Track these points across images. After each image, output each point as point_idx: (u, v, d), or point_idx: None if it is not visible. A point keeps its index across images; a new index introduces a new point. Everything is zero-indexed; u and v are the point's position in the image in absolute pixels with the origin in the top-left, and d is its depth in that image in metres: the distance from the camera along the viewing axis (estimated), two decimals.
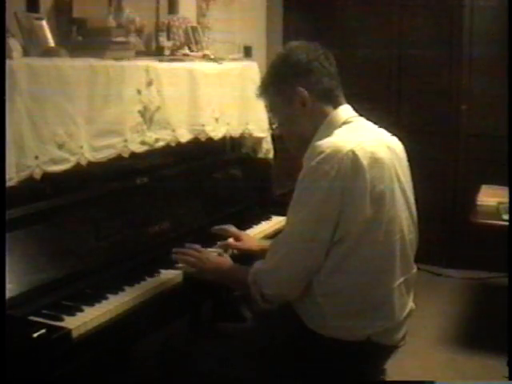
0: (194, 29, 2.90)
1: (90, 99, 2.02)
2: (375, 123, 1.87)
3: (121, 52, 2.23)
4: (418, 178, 1.91)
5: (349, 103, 1.86)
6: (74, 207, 1.98)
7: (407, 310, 1.81)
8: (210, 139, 2.63)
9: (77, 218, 1.97)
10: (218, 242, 2.27)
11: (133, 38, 2.53)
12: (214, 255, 2.07)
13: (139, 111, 2.23)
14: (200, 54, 2.81)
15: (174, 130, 2.40)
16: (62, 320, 1.64)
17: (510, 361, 2.55)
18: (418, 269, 1.88)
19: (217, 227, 2.30)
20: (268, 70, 1.89)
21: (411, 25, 4.40)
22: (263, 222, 2.63)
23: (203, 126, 2.58)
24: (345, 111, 1.82)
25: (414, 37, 4.40)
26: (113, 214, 2.09)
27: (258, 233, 2.51)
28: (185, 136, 2.47)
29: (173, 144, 2.41)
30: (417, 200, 1.85)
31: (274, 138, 3.00)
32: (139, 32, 2.67)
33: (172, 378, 1.90)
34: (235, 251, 2.21)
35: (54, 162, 1.89)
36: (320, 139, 1.71)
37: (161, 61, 2.47)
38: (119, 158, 2.15)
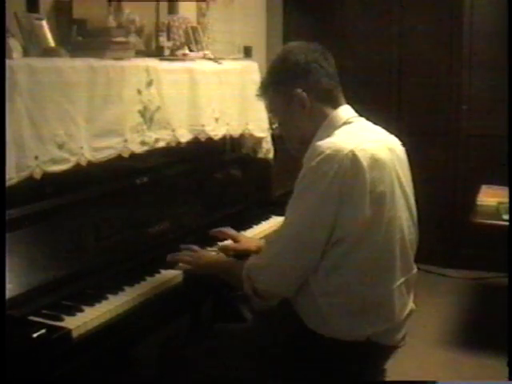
0: (194, 29, 2.90)
1: (90, 99, 2.02)
2: (375, 123, 1.87)
3: (121, 52, 2.23)
4: (418, 178, 1.91)
5: (349, 103, 1.86)
6: (74, 207, 1.98)
7: (407, 311, 1.81)
8: (209, 139, 2.63)
9: (77, 218, 1.97)
10: (218, 243, 2.27)
11: (133, 38, 2.53)
12: (210, 252, 2.08)
13: (139, 111, 2.23)
14: (200, 53, 2.81)
15: (173, 130, 2.40)
16: (62, 320, 1.64)
17: (510, 361, 2.55)
18: (418, 269, 1.88)
19: (214, 230, 2.30)
20: (267, 71, 1.89)
21: (411, 25, 4.40)
22: (263, 222, 2.63)
23: (203, 125, 2.58)
24: (345, 111, 1.82)
25: (414, 37, 4.40)
26: (113, 214, 2.09)
27: (257, 233, 2.51)
28: (185, 136, 2.47)
29: (173, 144, 2.41)
30: (417, 200, 1.85)
31: (273, 137, 3.00)
32: (139, 32, 2.67)
33: (172, 378, 1.90)
34: (232, 253, 2.20)
35: (54, 161, 1.89)
36: (320, 140, 1.71)
37: (161, 61, 2.47)
38: (119, 157, 2.15)
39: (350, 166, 1.62)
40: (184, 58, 2.67)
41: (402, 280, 1.76)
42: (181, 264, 2.03)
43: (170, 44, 2.78)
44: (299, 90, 1.77)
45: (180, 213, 2.38)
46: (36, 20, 2.11)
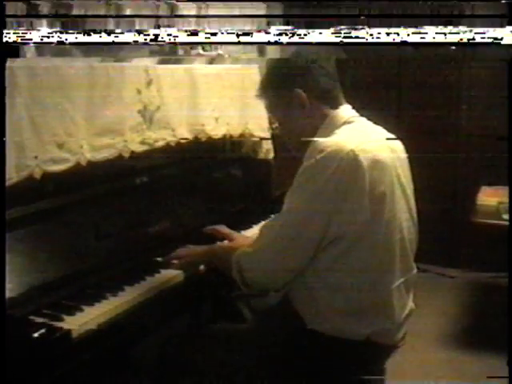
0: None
1: (90, 99, 2.02)
2: (375, 123, 1.87)
3: (121, 52, 2.23)
4: (418, 178, 1.91)
5: (349, 103, 1.86)
6: (74, 207, 1.98)
7: (407, 310, 1.81)
8: (209, 139, 2.63)
9: (77, 217, 1.97)
10: (218, 242, 2.27)
11: None
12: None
13: (139, 111, 2.23)
14: (200, 53, 2.81)
15: (173, 130, 2.40)
16: (62, 320, 1.64)
17: (510, 361, 2.54)
18: (418, 269, 1.88)
19: (208, 228, 2.28)
20: (266, 71, 1.89)
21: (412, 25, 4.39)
22: (263, 222, 2.63)
23: (203, 125, 2.58)
24: (345, 111, 1.82)
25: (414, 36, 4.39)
26: (113, 214, 2.09)
27: (257, 233, 2.50)
28: (185, 136, 2.47)
29: (173, 144, 2.41)
30: (417, 200, 1.85)
31: (273, 137, 3.00)
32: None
33: (172, 377, 1.90)
34: None
35: (54, 161, 1.89)
36: (321, 139, 1.71)
37: (161, 61, 2.47)
38: (119, 157, 2.15)
39: (349, 166, 1.62)
40: (184, 58, 2.67)
41: (402, 280, 1.76)
42: (175, 261, 2.04)
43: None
44: (299, 91, 1.77)
45: (180, 213, 2.37)
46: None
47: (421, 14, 3.37)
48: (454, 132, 4.39)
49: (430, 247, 3.67)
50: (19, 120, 1.78)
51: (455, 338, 3.40)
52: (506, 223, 3.02)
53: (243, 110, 2.83)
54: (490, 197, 3.38)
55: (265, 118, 2.93)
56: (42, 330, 1.54)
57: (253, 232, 2.49)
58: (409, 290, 1.82)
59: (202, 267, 2.06)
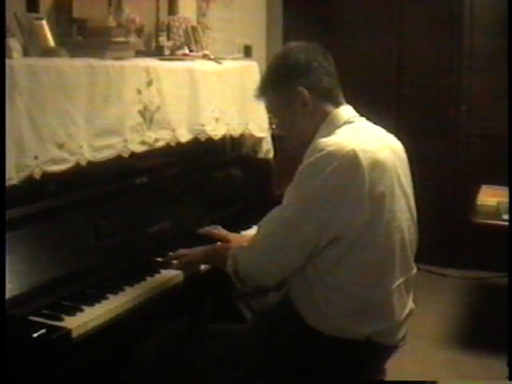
0: (194, 29, 2.90)
1: (90, 99, 2.02)
2: (375, 123, 1.87)
3: (121, 52, 2.23)
4: (418, 178, 1.91)
5: (349, 103, 1.86)
6: (74, 207, 1.98)
7: (407, 310, 1.81)
8: (209, 139, 2.63)
9: (77, 217, 1.97)
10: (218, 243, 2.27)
11: (133, 38, 2.53)
12: None
13: (139, 111, 2.23)
14: (200, 53, 2.81)
15: (173, 130, 2.40)
16: (62, 320, 1.64)
17: (510, 361, 2.54)
18: (418, 269, 1.88)
19: (203, 230, 2.24)
20: (266, 71, 1.89)
21: (411, 25, 4.40)
22: None
23: (203, 125, 2.58)
24: (346, 111, 1.82)
25: (414, 36, 4.40)
26: (113, 214, 2.09)
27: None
28: (185, 136, 2.47)
29: (173, 144, 2.41)
30: (417, 200, 1.85)
31: (273, 137, 3.00)
32: (139, 32, 2.67)
33: (172, 378, 1.90)
34: None
35: (54, 161, 1.89)
36: (321, 138, 1.71)
37: (161, 60, 2.47)
38: (119, 157, 2.15)
39: (349, 165, 1.62)
40: (184, 57, 2.67)
41: (402, 280, 1.76)
42: (175, 261, 2.04)
43: (169, 44, 2.79)
44: (301, 88, 1.77)
45: (180, 213, 2.38)
46: (36, 20, 2.11)
47: None
48: (454, 132, 4.39)
49: (430, 247, 3.68)
50: (19, 120, 1.77)
51: (455, 338, 3.40)
52: (506, 223, 3.02)
53: (243, 110, 2.83)
54: (489, 197, 3.38)
55: (265, 118, 2.93)
56: (42, 330, 1.54)
57: (252, 232, 2.49)
58: (409, 289, 1.82)
59: (202, 267, 2.06)
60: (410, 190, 1.82)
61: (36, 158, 1.83)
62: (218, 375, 1.81)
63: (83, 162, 1.99)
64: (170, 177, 2.44)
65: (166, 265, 2.05)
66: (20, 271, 1.72)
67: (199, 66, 2.61)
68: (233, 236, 2.21)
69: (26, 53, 2.00)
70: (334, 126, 1.77)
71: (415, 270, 1.85)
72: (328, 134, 1.73)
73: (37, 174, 1.83)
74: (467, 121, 4.34)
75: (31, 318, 1.64)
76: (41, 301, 1.72)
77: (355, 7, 4.52)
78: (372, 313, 1.71)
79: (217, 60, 2.76)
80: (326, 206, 1.63)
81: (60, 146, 1.91)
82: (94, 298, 1.78)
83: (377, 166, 1.67)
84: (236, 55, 3.16)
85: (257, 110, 2.85)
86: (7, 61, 1.76)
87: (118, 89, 2.13)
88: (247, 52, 3.24)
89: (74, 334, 1.61)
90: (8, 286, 1.63)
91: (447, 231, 4.41)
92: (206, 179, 2.64)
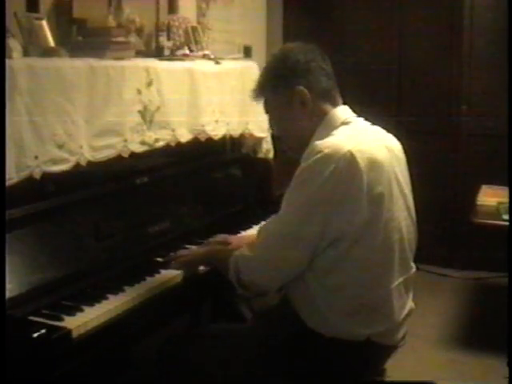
0: (194, 29, 2.90)
1: (90, 99, 2.02)
2: (374, 123, 1.87)
3: (121, 52, 2.24)
4: (417, 178, 1.91)
5: (348, 103, 1.86)
6: (74, 207, 1.98)
7: (407, 310, 1.81)
8: (209, 139, 2.63)
9: (77, 217, 1.97)
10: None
11: (133, 38, 2.53)
12: None
13: (139, 111, 2.23)
14: (200, 53, 2.81)
15: (173, 130, 2.40)
16: (62, 320, 1.64)
17: (510, 361, 2.54)
18: (418, 269, 1.88)
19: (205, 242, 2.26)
20: (264, 72, 1.88)
21: (411, 25, 4.40)
22: (263, 222, 2.63)
23: (203, 125, 2.58)
24: (343, 111, 1.82)
25: (414, 37, 4.40)
26: (113, 214, 2.09)
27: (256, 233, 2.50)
28: (185, 136, 2.47)
29: (173, 144, 2.41)
30: (417, 200, 1.85)
31: (274, 137, 3.00)
32: (139, 32, 2.67)
33: (172, 378, 1.90)
34: None
35: (54, 162, 1.89)
36: (318, 139, 1.71)
37: (161, 61, 2.47)
38: (119, 157, 2.15)
39: (346, 167, 1.62)
40: (184, 57, 2.67)
41: (401, 280, 1.76)
42: (173, 262, 2.04)
43: (170, 44, 2.78)
44: (301, 88, 1.77)
45: (180, 213, 2.38)
46: (36, 20, 2.11)
47: None
48: (454, 132, 4.39)
49: (430, 247, 3.68)
50: (19, 120, 1.77)
51: (455, 338, 3.40)
52: (506, 223, 3.02)
53: (243, 110, 2.83)
54: (489, 197, 3.38)
55: (265, 118, 2.91)
56: (42, 330, 1.54)
57: (253, 232, 2.49)
58: (408, 289, 1.82)
59: (201, 267, 2.06)
60: (408, 190, 1.82)
61: (36, 158, 1.83)
62: (218, 375, 1.81)
63: (83, 162, 1.99)
64: (170, 177, 2.44)
65: (166, 265, 2.05)
66: (20, 271, 1.72)
67: (199, 66, 2.61)
68: (232, 238, 2.24)
69: (26, 53, 2.00)
70: (331, 127, 1.77)
71: (414, 270, 1.85)
72: (325, 135, 1.73)
73: (37, 174, 1.83)
74: (467, 120, 4.33)
75: (31, 318, 1.64)
76: (41, 301, 1.72)
77: (355, 7, 4.52)
78: (371, 313, 1.71)
79: (217, 60, 2.76)
80: (326, 210, 1.63)
81: (60, 146, 1.91)
82: (94, 298, 1.78)
83: (374, 166, 1.67)
84: (236, 55, 3.16)
85: (257, 110, 2.84)
86: (7, 61, 1.76)
87: (118, 89, 2.13)
88: (247, 52, 3.23)
89: (74, 334, 1.61)
90: (8, 286, 1.63)
91: (447, 231, 4.41)
92: (206, 179, 2.64)
